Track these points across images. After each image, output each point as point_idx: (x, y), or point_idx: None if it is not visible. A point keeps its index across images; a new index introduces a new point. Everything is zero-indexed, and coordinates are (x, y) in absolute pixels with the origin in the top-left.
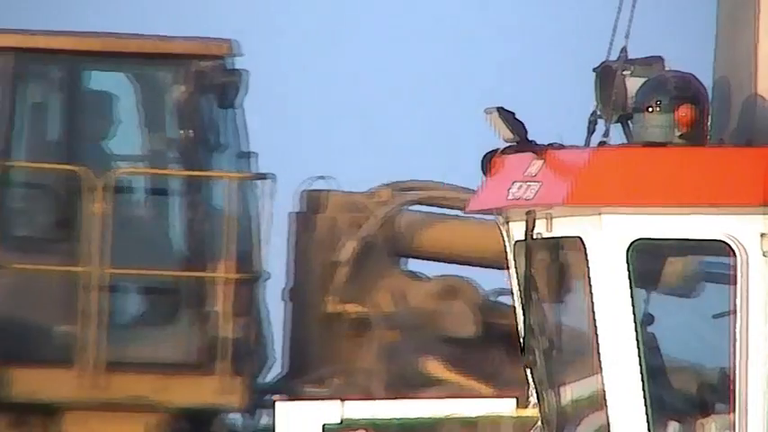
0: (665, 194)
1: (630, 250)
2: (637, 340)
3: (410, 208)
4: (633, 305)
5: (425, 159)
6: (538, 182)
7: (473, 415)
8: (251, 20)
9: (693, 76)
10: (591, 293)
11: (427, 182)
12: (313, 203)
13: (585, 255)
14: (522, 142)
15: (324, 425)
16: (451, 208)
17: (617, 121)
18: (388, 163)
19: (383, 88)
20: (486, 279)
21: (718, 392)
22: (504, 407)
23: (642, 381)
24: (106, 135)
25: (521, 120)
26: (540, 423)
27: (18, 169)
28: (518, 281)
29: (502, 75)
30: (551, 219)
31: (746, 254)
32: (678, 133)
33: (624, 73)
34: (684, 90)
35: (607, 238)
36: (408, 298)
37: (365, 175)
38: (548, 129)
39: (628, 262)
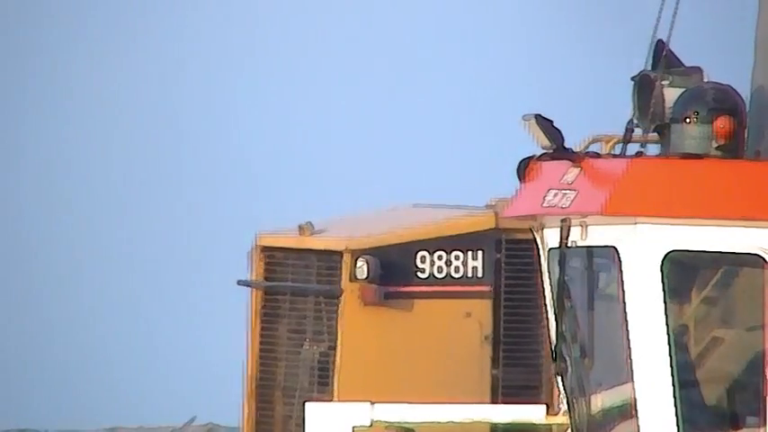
0: (702, 206)
1: (665, 261)
2: (669, 348)
3: None
4: (666, 315)
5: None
6: (574, 190)
7: (502, 420)
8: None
9: (731, 87)
10: (624, 302)
11: None
12: None
13: (620, 264)
14: (559, 150)
15: (353, 427)
16: None
17: (654, 131)
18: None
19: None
20: None
21: (751, 406)
22: (535, 413)
23: (674, 391)
24: None
25: (558, 127)
26: (569, 430)
27: None
28: (551, 288)
29: (532, 82)
30: (586, 227)
31: None
32: (715, 145)
33: (663, 83)
34: (722, 102)
35: (642, 248)
36: None
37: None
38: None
39: (662, 272)
